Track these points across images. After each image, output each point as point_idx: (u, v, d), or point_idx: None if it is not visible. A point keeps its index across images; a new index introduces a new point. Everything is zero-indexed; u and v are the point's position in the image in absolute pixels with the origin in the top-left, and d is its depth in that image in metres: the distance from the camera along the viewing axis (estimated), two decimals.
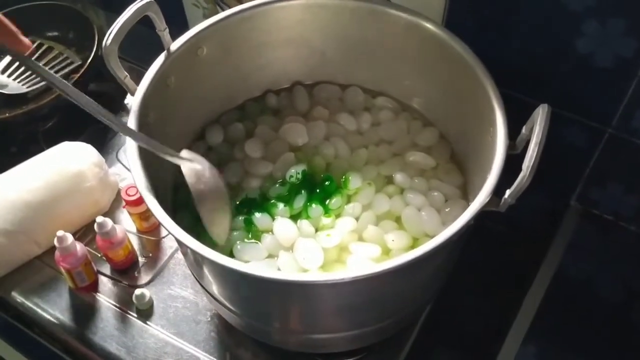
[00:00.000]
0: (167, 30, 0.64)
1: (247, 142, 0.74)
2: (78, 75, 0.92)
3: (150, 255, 0.81)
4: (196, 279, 0.67)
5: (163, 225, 0.53)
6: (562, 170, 0.80)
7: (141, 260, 0.81)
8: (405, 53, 0.72)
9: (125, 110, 0.98)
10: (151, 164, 0.60)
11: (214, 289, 0.63)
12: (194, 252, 0.51)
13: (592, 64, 0.69)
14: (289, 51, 0.75)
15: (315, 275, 0.52)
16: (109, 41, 0.58)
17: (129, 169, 0.70)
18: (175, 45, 0.66)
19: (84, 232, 0.83)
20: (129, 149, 0.58)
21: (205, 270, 0.60)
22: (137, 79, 0.64)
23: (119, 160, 0.92)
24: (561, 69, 0.72)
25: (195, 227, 0.67)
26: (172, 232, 0.52)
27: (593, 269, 0.82)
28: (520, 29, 0.71)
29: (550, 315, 0.77)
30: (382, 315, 0.62)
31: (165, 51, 0.65)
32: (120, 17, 0.59)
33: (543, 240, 0.84)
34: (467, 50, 0.65)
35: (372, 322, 0.62)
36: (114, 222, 0.82)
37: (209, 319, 0.76)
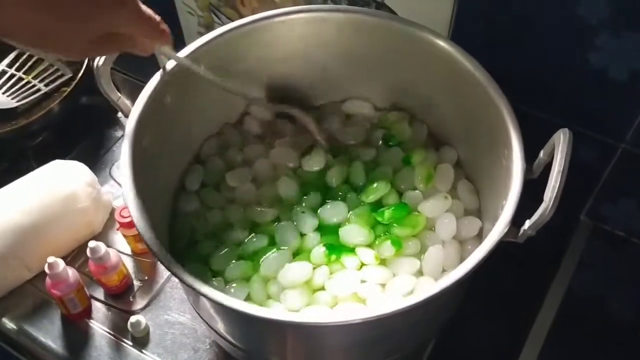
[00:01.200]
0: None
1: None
2: (69, 88, 0.89)
3: (146, 278, 0.78)
4: (194, 309, 0.64)
5: (167, 268, 0.49)
6: (573, 185, 0.77)
7: (136, 283, 0.78)
8: (410, 69, 0.69)
9: (119, 124, 0.95)
10: (147, 192, 0.57)
11: (214, 323, 0.59)
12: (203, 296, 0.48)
13: (606, 78, 0.67)
14: (289, 67, 0.72)
15: (324, 316, 0.49)
16: (100, 62, 0.55)
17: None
18: (170, 64, 0.62)
19: (77, 255, 0.80)
20: (125, 188, 0.54)
21: (207, 306, 0.56)
22: (131, 93, 0.61)
23: (112, 177, 0.88)
24: (574, 84, 0.70)
25: (196, 257, 0.64)
26: (178, 275, 0.49)
27: (604, 287, 0.80)
28: (531, 43, 0.68)
29: (562, 336, 0.75)
30: (390, 350, 0.59)
31: (161, 69, 0.62)
32: None
33: (553, 257, 0.81)
34: (477, 65, 0.62)
35: (379, 357, 0.59)
36: (108, 243, 0.79)
37: (208, 347, 0.72)
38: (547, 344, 0.74)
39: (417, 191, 0.67)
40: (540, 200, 0.50)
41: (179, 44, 0.95)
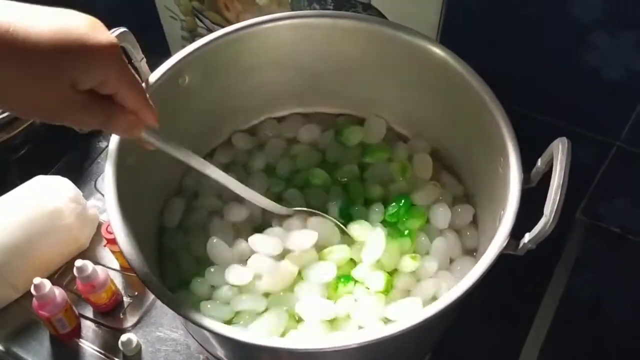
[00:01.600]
0: (145, 59, 0.59)
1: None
2: None
3: (136, 294, 0.76)
4: (186, 329, 0.62)
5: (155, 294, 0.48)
6: (568, 184, 0.77)
7: (126, 300, 0.76)
8: (402, 75, 0.67)
9: (103, 134, 0.92)
10: (133, 208, 0.55)
11: (206, 343, 0.58)
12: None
13: (600, 78, 0.66)
14: (278, 75, 0.70)
15: (321, 342, 0.47)
16: None
17: None
18: (154, 77, 0.60)
19: (64, 272, 0.77)
20: (108, 202, 0.52)
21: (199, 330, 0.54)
22: None
23: (97, 190, 0.86)
24: (569, 83, 0.69)
25: (184, 274, 0.62)
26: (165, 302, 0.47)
27: (601, 285, 0.79)
28: (524, 43, 0.67)
29: (561, 337, 0.74)
30: None
31: (144, 83, 0.59)
32: None
33: (549, 256, 0.80)
34: (469, 70, 0.60)
35: None
36: (95, 259, 0.77)
37: None
38: (546, 346, 0.73)
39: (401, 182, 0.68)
40: (538, 208, 0.49)
41: (163, 50, 0.93)
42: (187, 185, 0.71)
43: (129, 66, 0.44)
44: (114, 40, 0.42)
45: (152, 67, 0.61)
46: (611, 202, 0.80)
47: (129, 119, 0.46)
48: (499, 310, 0.76)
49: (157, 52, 0.64)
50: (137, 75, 0.45)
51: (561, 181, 0.45)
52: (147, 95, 0.47)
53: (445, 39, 0.69)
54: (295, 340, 0.51)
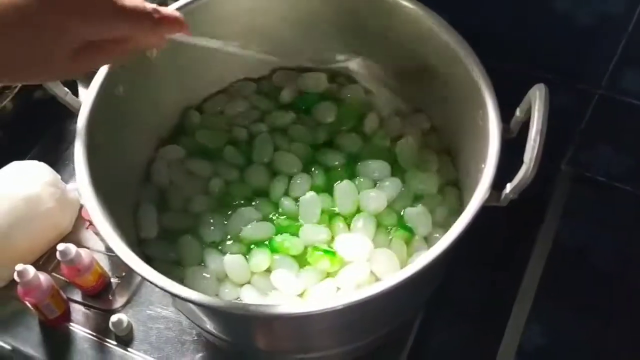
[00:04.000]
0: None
1: None
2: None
3: (124, 274, 0.75)
4: (174, 305, 0.62)
5: (131, 268, 0.47)
6: (552, 135, 0.75)
7: (114, 281, 0.75)
8: (371, 32, 0.65)
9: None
10: (107, 186, 0.53)
11: (195, 318, 0.57)
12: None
13: (577, 23, 0.65)
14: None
15: (307, 305, 0.47)
16: None
17: None
18: None
19: (48, 258, 0.76)
20: (80, 181, 0.51)
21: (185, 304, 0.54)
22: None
23: None
24: (543, 32, 0.67)
25: (166, 248, 0.61)
26: (140, 273, 0.46)
27: (590, 233, 0.79)
28: None
29: (552, 287, 0.74)
30: (377, 326, 0.57)
31: None
32: None
33: (537, 207, 0.80)
34: (442, 22, 0.59)
35: (366, 336, 0.57)
36: (79, 242, 0.76)
37: (195, 338, 0.70)
38: (538, 294, 0.74)
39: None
40: (520, 159, 0.48)
41: None
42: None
43: (121, 5, 0.41)
44: None
45: None
46: (596, 150, 0.80)
47: (147, 42, 0.45)
48: (490, 263, 0.76)
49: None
50: (130, 7, 0.41)
51: (539, 127, 0.44)
52: (159, 14, 0.43)
53: None
54: (281, 305, 0.51)
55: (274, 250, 0.60)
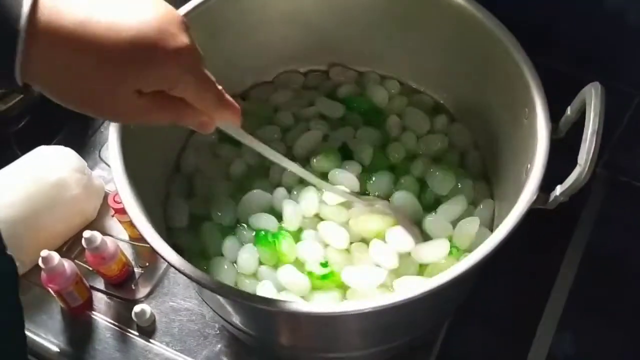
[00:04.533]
0: None
1: None
2: None
3: (147, 264, 0.74)
4: (200, 297, 0.61)
5: (163, 258, 0.45)
6: None
7: (137, 271, 0.74)
8: (416, 27, 0.64)
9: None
10: (139, 174, 0.52)
11: (221, 310, 0.56)
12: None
13: (624, 23, 0.62)
14: (283, 32, 0.66)
15: (343, 306, 0.45)
16: None
17: None
18: None
19: (72, 245, 0.75)
20: (114, 169, 0.50)
21: (213, 296, 0.52)
22: None
23: (102, 160, 0.83)
24: (589, 30, 0.65)
25: (194, 241, 0.60)
26: (172, 263, 0.45)
27: (625, 240, 0.77)
28: None
29: (584, 293, 0.72)
30: (408, 330, 0.56)
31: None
32: None
33: (570, 211, 0.78)
34: (492, 18, 0.57)
35: (392, 340, 0.56)
36: (103, 231, 0.75)
37: (218, 332, 0.69)
38: (570, 300, 0.72)
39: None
40: (564, 160, 0.46)
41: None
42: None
43: (202, 70, 0.40)
44: (183, 44, 0.37)
45: None
46: (633, 154, 0.78)
47: (200, 120, 0.42)
48: (521, 268, 0.74)
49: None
50: (211, 77, 0.41)
51: (596, 127, 0.42)
52: (223, 95, 0.42)
53: None
54: (314, 304, 0.49)
55: None
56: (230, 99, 0.43)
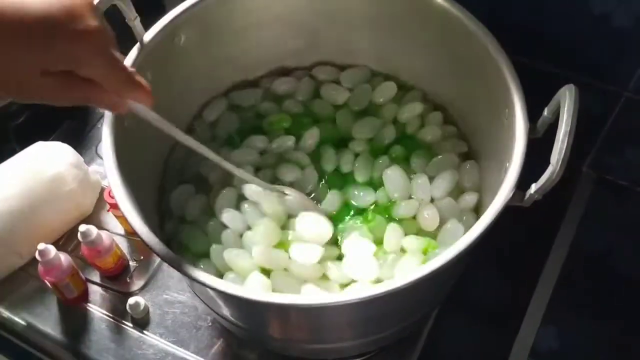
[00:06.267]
0: (138, 19, 0.57)
1: None
2: None
3: (142, 258, 0.76)
4: (192, 291, 0.62)
5: (154, 251, 0.47)
6: (574, 136, 0.76)
7: (132, 264, 0.76)
8: (403, 27, 0.65)
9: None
10: (132, 170, 0.54)
11: (213, 304, 0.58)
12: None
13: (608, 24, 0.64)
14: (276, 32, 0.68)
15: (329, 296, 0.47)
16: None
17: None
18: (148, 36, 0.58)
19: (68, 238, 0.77)
20: (107, 165, 0.52)
21: (205, 290, 0.54)
22: None
23: (99, 155, 0.85)
24: (575, 31, 0.66)
25: (184, 233, 0.62)
26: (163, 257, 0.46)
27: (609, 237, 0.78)
28: None
29: (568, 290, 0.74)
30: (394, 321, 0.57)
31: (138, 43, 0.58)
32: None
33: (556, 209, 0.80)
34: (473, 18, 0.58)
35: (379, 332, 0.58)
36: (99, 224, 0.77)
37: (210, 324, 0.71)
38: (554, 297, 0.73)
39: None
40: (544, 161, 0.47)
41: (159, 8, 0.90)
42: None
43: (111, 52, 0.42)
44: (91, 26, 0.39)
45: (147, 26, 0.60)
46: (619, 154, 0.79)
47: (110, 98, 0.44)
48: (507, 264, 0.75)
49: (152, 10, 0.63)
50: (120, 59, 0.43)
51: (568, 128, 0.44)
52: (133, 76, 0.44)
53: None
54: (302, 296, 0.51)
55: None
56: (142, 79, 0.45)
